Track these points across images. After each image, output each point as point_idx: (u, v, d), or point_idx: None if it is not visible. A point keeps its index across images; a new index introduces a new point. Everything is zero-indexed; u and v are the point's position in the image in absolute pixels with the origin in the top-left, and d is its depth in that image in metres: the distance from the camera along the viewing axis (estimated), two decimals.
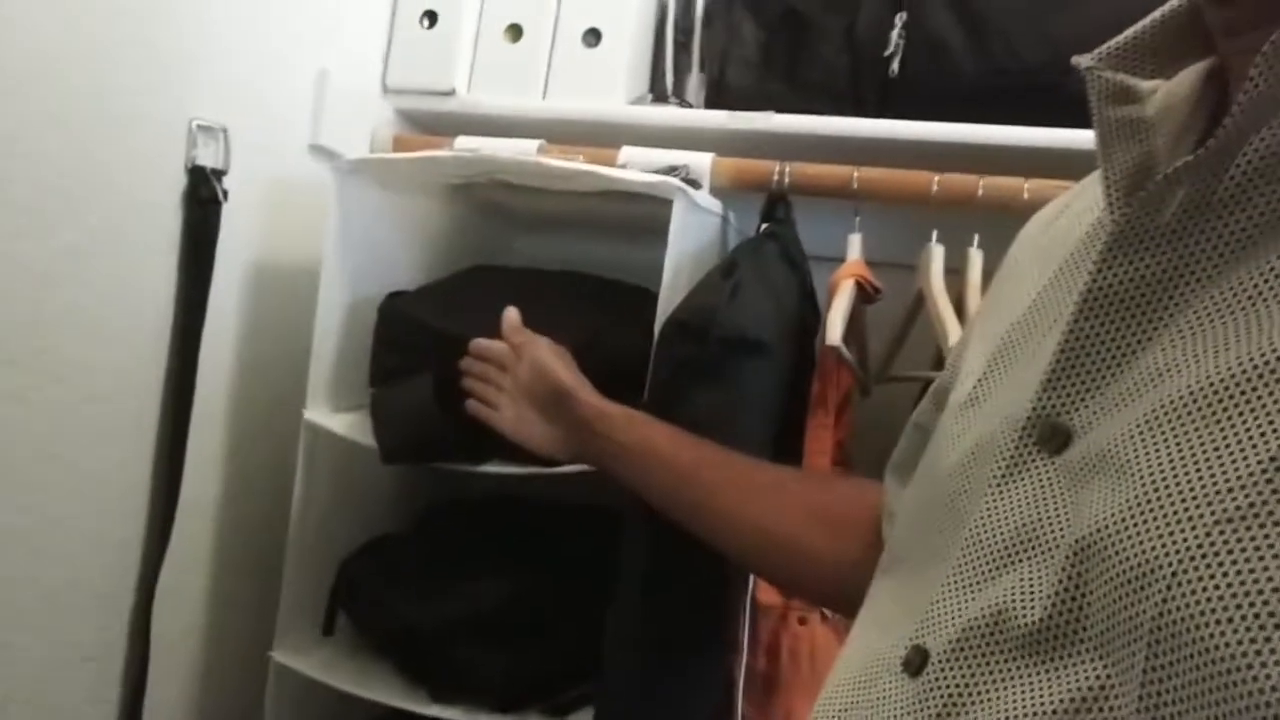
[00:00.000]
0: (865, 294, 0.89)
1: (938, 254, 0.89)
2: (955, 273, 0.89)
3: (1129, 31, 0.34)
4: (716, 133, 0.93)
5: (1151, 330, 0.28)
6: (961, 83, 0.87)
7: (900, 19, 0.87)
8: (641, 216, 0.87)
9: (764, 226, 0.90)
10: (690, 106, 0.97)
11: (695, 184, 0.85)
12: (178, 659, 0.91)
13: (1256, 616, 0.21)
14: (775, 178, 0.89)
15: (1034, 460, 0.30)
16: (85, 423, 0.78)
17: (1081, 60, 0.34)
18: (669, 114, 0.95)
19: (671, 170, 0.85)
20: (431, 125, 1.03)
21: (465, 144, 0.90)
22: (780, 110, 0.91)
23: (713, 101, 0.95)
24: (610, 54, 0.94)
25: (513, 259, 1.04)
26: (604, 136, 0.92)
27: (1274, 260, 0.25)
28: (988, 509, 0.31)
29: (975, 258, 0.88)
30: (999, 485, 0.31)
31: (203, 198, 0.86)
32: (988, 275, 0.87)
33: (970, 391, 0.39)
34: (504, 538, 0.91)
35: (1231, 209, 0.27)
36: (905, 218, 0.90)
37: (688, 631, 0.81)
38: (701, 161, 0.88)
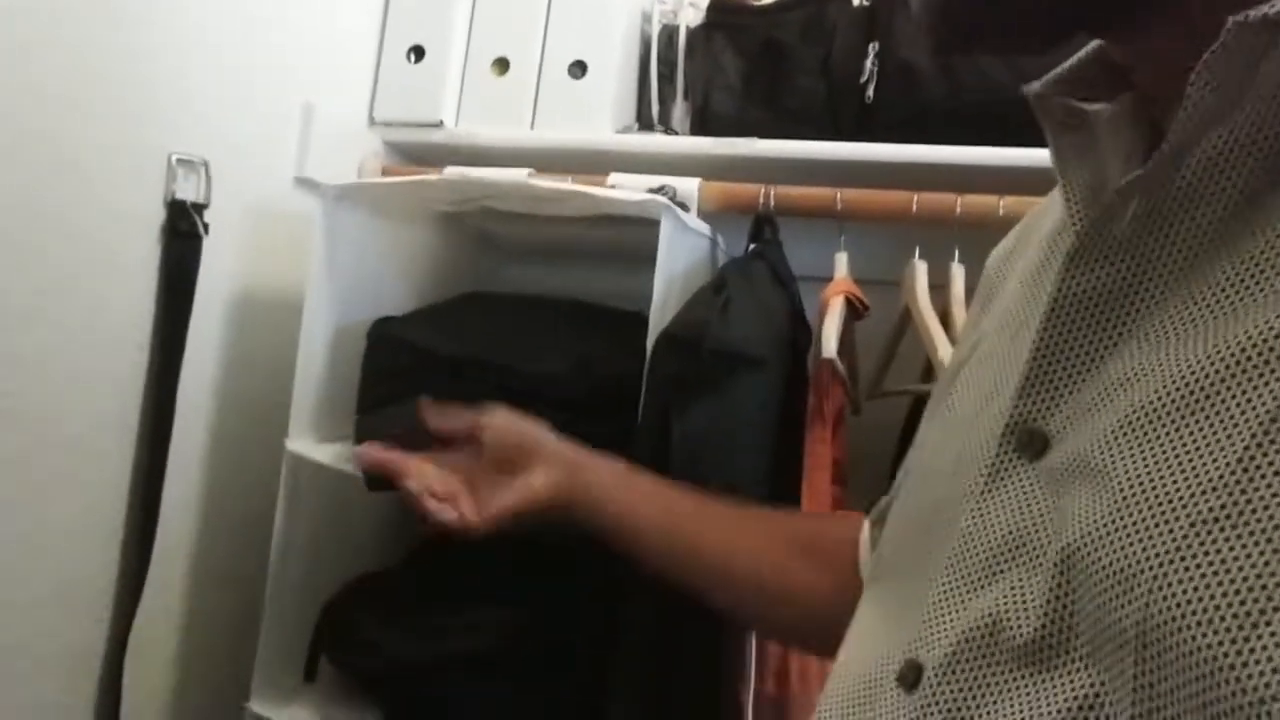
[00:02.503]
0: (855, 310, 0.90)
1: (921, 270, 0.91)
2: (939, 288, 0.90)
3: (1068, 62, 0.37)
4: (702, 158, 0.95)
5: (1117, 336, 0.29)
6: (934, 106, 0.91)
7: (873, 48, 0.91)
8: (631, 243, 0.88)
9: (752, 247, 0.91)
10: (676, 134, 1.00)
11: (684, 206, 0.86)
12: (151, 715, 0.85)
13: (1235, 616, 0.22)
14: (761, 200, 0.90)
15: (1015, 467, 0.31)
16: (55, 469, 0.75)
17: (1031, 88, 0.36)
18: (655, 141, 0.97)
19: (658, 190, 0.87)
20: (420, 156, 1.04)
21: (454, 173, 0.90)
22: (762, 136, 0.94)
23: (697, 129, 0.97)
24: (596, 85, 0.97)
25: (503, 288, 1.04)
26: (592, 164, 0.93)
27: (1226, 268, 0.27)
28: (973, 517, 0.32)
29: (957, 272, 0.90)
30: (983, 493, 0.32)
31: (182, 231, 0.85)
32: (970, 289, 0.89)
33: (947, 402, 0.40)
34: (499, 569, 0.87)
35: (1180, 216, 0.28)
36: (888, 236, 0.92)
37: (694, 661, 0.78)
38: (689, 186, 0.90)
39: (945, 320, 0.88)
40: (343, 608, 0.86)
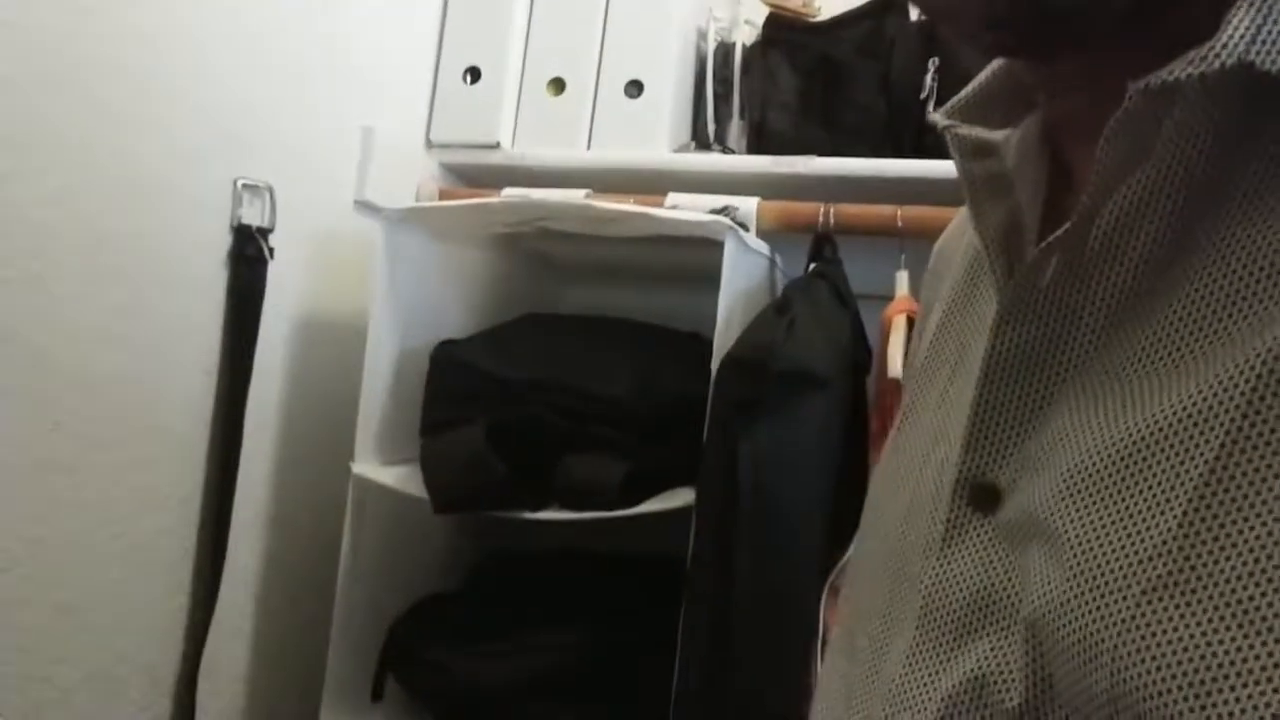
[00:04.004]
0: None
1: None
2: None
3: (972, 84, 0.36)
4: (760, 177, 0.95)
5: (1050, 393, 0.30)
6: None
7: (933, 63, 0.90)
8: (689, 263, 0.88)
9: (813, 266, 0.91)
10: (733, 152, 1.00)
11: (743, 226, 0.86)
12: None
13: (1190, 686, 0.22)
14: (820, 219, 0.90)
15: (971, 522, 0.31)
16: (131, 489, 0.76)
17: (938, 119, 0.36)
18: (712, 160, 0.97)
19: (720, 211, 0.86)
20: (477, 178, 1.04)
21: (512, 195, 0.91)
22: (819, 153, 0.93)
23: (754, 147, 0.97)
24: (652, 104, 0.97)
25: (561, 309, 1.04)
26: (649, 184, 0.93)
27: (1146, 328, 0.27)
28: (936, 576, 0.31)
29: None
30: (942, 550, 0.32)
31: (248, 256, 0.86)
32: None
33: (894, 436, 0.40)
34: (561, 590, 0.88)
35: (1097, 272, 0.29)
36: None
37: (757, 680, 0.78)
38: (747, 205, 0.90)
39: None
40: (408, 628, 0.86)
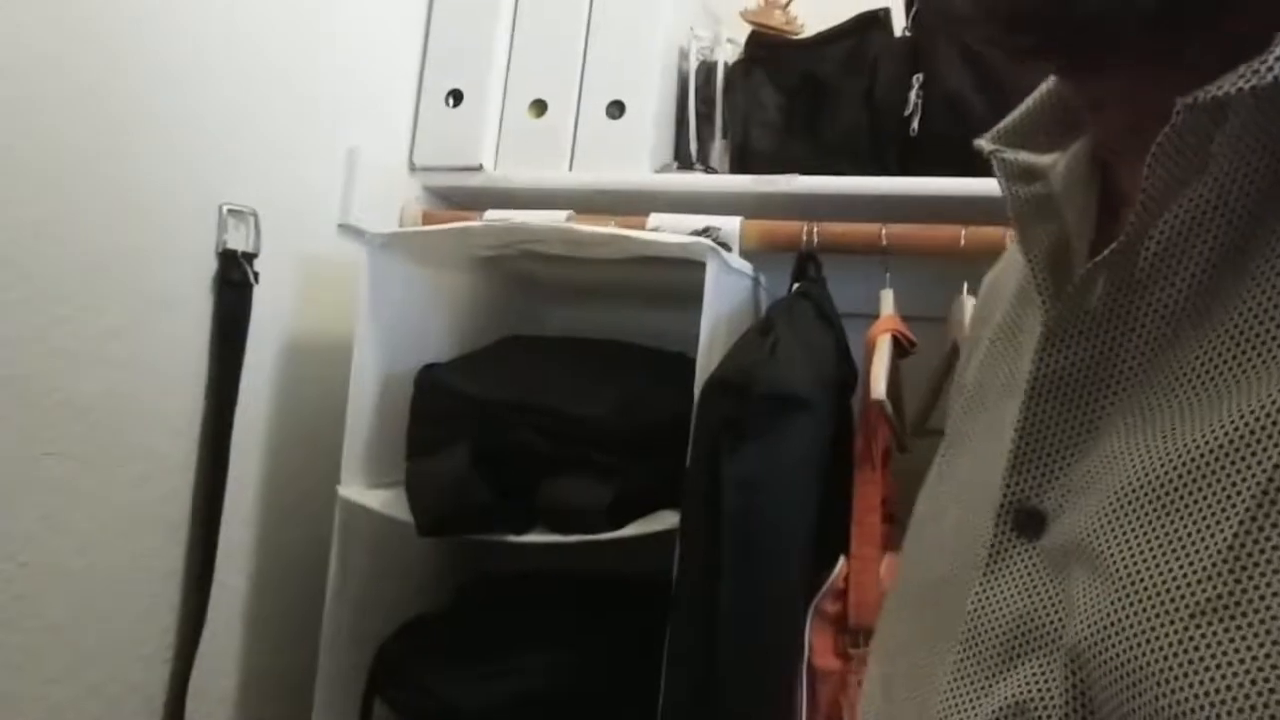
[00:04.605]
0: (901, 348, 0.89)
1: (969, 305, 0.89)
2: None
3: (1018, 110, 0.36)
4: (743, 196, 0.94)
5: (1097, 416, 0.30)
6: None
7: (917, 79, 0.90)
8: (672, 283, 0.88)
9: (796, 286, 0.90)
10: (715, 172, 0.99)
11: (726, 246, 0.86)
12: None
13: (1240, 712, 0.22)
14: (804, 238, 0.90)
15: (1015, 547, 0.31)
16: (119, 510, 0.77)
17: (984, 145, 0.35)
18: (695, 180, 0.96)
19: (702, 232, 0.86)
20: (460, 201, 1.05)
21: (495, 217, 0.91)
22: (803, 172, 0.93)
23: (737, 166, 0.97)
24: (634, 125, 0.97)
25: (545, 331, 1.04)
26: (632, 205, 0.93)
27: (1198, 347, 0.27)
28: (978, 599, 0.31)
29: None
30: (985, 575, 0.31)
31: (234, 280, 0.86)
32: None
33: (938, 463, 0.40)
34: (547, 612, 0.88)
35: (1147, 293, 0.28)
36: (935, 271, 0.91)
37: (743, 701, 0.78)
38: (730, 224, 0.89)
39: None
40: (395, 650, 0.87)
